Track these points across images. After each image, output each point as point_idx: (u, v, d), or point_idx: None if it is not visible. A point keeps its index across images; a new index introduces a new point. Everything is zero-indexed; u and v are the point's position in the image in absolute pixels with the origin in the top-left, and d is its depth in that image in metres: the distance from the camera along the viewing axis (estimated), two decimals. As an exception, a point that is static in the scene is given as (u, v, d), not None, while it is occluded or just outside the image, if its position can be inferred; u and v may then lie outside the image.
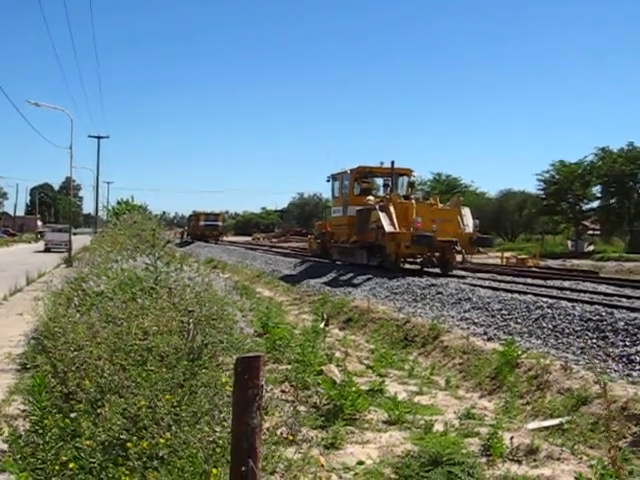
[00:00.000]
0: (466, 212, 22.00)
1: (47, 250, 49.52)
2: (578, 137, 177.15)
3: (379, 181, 27.91)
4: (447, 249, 21.33)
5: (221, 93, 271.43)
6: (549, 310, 12.48)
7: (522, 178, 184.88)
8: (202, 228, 67.68)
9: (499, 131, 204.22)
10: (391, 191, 23.77)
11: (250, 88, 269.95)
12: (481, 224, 23.29)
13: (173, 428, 4.58)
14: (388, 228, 20.85)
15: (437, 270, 21.99)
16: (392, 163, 24.24)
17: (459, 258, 22.63)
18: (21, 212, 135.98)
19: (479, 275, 21.95)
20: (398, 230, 20.83)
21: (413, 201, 22.40)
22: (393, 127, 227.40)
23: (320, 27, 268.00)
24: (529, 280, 20.15)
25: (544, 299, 13.58)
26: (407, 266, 23.57)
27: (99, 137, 56.72)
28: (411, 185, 25.35)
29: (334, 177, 27.91)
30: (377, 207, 21.89)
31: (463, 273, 22.43)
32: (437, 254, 21.86)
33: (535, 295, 14.49)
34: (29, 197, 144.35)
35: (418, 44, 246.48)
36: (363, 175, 26.26)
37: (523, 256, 36.74)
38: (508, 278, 20.93)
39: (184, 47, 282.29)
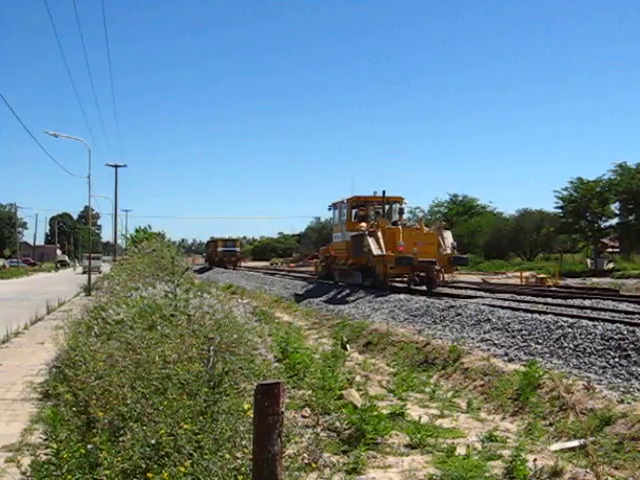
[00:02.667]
0: (447, 235, 24.55)
1: (84, 272, 59.37)
2: (596, 153, 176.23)
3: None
4: (429, 269, 23.44)
5: (239, 118, 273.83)
6: (570, 330, 12.38)
7: (539, 197, 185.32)
8: (220, 254, 67.81)
9: (516, 150, 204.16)
10: (383, 217, 25.94)
11: (268, 113, 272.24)
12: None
13: (195, 455, 4.58)
14: (376, 251, 23.36)
15: (423, 288, 24.10)
16: (383, 192, 26.72)
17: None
18: (41, 242, 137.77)
19: (498, 295, 21.89)
20: (385, 253, 23.28)
21: (400, 226, 24.43)
22: (411, 149, 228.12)
23: (339, 48, 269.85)
24: (549, 300, 20.03)
25: (564, 318, 13.48)
26: (397, 284, 25.52)
27: (116, 166, 56.86)
28: (401, 212, 27.68)
29: (334, 205, 30.54)
30: (367, 233, 24.30)
31: (482, 293, 22.67)
32: (422, 273, 23.93)
33: (555, 315, 14.38)
34: (48, 227, 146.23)
35: (437, 65, 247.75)
36: (359, 204, 28.61)
37: (542, 275, 36.37)
38: (528, 298, 20.87)
39: (200, 72, 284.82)
